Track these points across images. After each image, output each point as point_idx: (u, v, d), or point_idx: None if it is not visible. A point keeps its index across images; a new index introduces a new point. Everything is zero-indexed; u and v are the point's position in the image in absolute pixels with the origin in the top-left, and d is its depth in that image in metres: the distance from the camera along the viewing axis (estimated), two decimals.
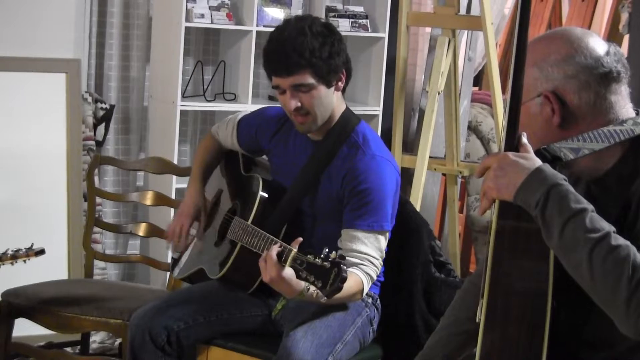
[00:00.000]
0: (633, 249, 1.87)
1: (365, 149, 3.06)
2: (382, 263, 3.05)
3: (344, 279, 2.57)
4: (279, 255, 2.70)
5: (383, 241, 3.03)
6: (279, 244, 2.76)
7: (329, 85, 3.02)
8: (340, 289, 2.58)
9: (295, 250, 2.68)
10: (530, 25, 2.04)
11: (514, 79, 2.01)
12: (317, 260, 2.61)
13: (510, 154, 2.00)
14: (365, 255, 2.99)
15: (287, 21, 3.07)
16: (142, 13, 4.72)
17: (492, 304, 1.99)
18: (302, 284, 2.68)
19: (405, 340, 3.26)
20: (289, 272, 2.69)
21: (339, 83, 3.06)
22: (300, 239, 2.74)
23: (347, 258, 2.91)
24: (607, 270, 1.86)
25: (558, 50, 2.07)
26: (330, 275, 2.57)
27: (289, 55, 2.96)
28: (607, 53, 2.07)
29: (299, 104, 3.00)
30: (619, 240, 1.88)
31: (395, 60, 4.71)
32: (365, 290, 2.99)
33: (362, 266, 2.97)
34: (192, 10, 4.52)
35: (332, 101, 3.05)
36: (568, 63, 2.06)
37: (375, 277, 3.02)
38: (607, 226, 1.90)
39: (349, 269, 2.91)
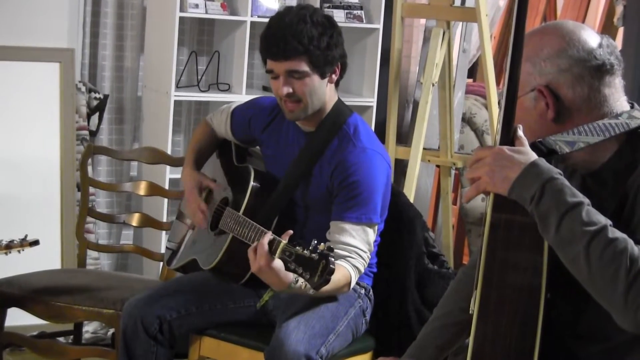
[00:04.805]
0: (630, 241, 1.87)
1: (356, 142, 3.05)
2: (370, 256, 3.04)
3: (332, 271, 2.56)
4: (269, 245, 2.70)
5: (371, 234, 3.03)
6: (269, 234, 2.76)
7: (322, 76, 3.02)
8: (328, 281, 2.58)
9: (285, 241, 2.67)
10: None
11: (511, 71, 2.00)
12: (305, 252, 2.60)
13: (506, 149, 1.99)
14: (353, 247, 2.98)
15: (288, 8, 3.07)
16: (136, 3, 4.71)
17: (486, 296, 1.99)
18: (291, 275, 2.67)
19: (398, 331, 3.26)
20: (278, 263, 2.68)
21: (333, 75, 3.06)
22: (291, 231, 2.73)
23: (335, 250, 2.91)
24: (604, 263, 1.85)
25: (550, 45, 2.07)
26: (318, 267, 2.56)
27: (287, 40, 2.96)
28: (600, 45, 2.07)
29: (291, 90, 3.00)
30: (615, 233, 1.88)
31: (390, 51, 4.70)
32: (353, 284, 2.99)
33: (349, 259, 2.97)
34: (186, 0, 4.51)
35: (324, 92, 3.05)
36: (561, 57, 2.06)
37: (363, 270, 3.02)
38: (603, 219, 1.89)
39: (337, 262, 2.91)
